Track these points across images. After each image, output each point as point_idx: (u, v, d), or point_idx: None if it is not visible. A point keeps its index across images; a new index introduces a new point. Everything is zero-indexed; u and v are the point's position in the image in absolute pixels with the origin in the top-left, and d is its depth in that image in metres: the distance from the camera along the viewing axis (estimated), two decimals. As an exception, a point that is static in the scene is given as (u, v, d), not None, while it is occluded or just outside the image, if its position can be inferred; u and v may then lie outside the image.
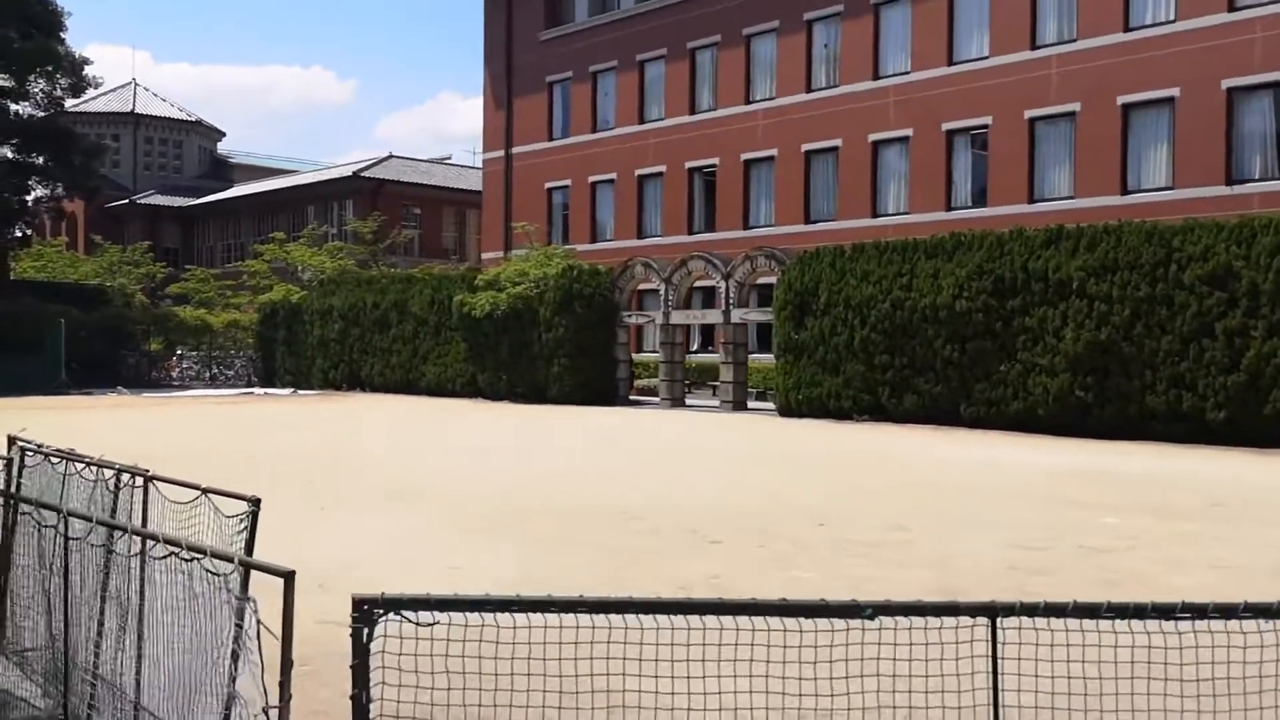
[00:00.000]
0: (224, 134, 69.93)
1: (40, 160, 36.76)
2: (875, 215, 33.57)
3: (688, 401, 28.76)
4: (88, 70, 37.68)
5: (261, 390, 35.64)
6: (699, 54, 38.76)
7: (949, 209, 31.89)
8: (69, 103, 39.57)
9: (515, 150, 44.89)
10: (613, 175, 41.20)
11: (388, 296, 35.04)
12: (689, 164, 38.72)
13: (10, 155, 37.29)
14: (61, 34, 36.89)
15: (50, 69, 36.50)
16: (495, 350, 31.00)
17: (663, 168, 39.53)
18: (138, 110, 63.09)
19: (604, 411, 26.57)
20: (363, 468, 14.50)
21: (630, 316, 29.65)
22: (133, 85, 65.05)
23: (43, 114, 37.85)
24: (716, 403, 27.90)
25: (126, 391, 33.18)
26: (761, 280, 27.97)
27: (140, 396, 31.92)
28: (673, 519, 10.08)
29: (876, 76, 33.64)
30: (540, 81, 43.84)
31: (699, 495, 11.96)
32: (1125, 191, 28.31)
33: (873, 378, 22.28)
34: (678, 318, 28.22)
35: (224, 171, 67.88)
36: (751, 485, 13.00)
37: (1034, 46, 30.16)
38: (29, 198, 38.61)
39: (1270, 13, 25.86)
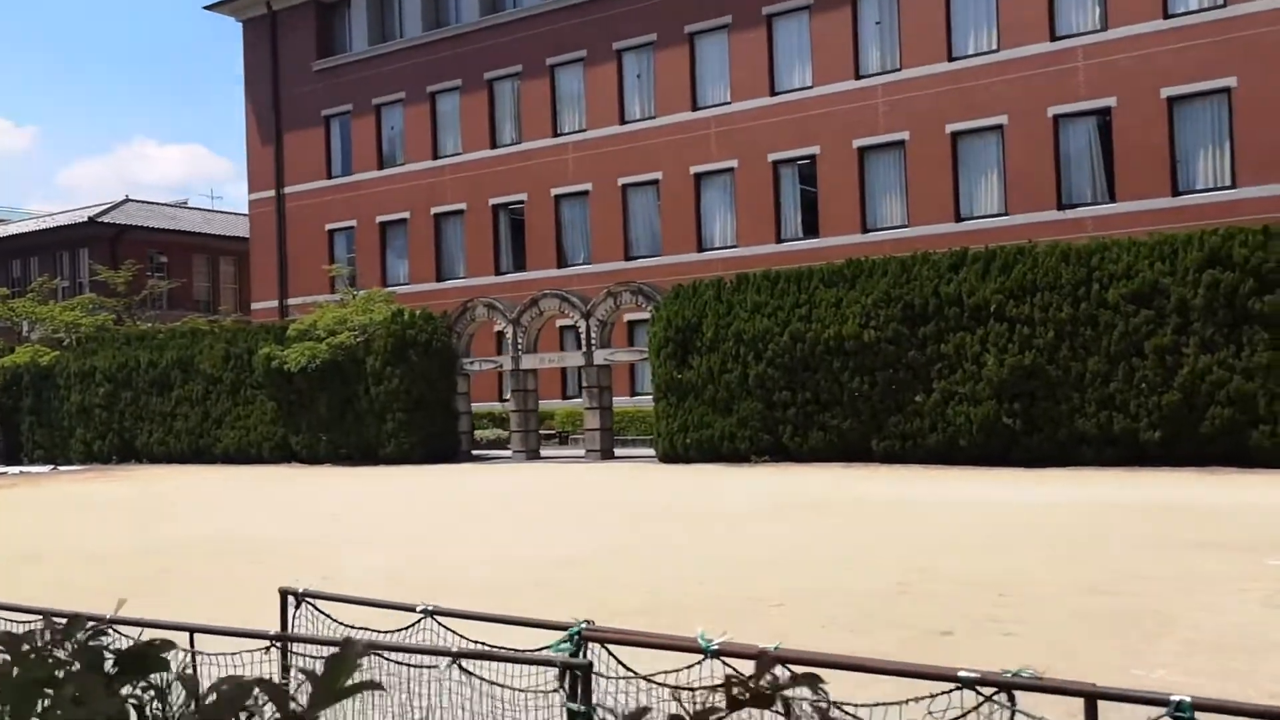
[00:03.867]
0: (-86, 178, 61.07)
1: None
2: (701, 249, 32.63)
3: (542, 453, 26.52)
4: None
5: (16, 470, 30.34)
6: (497, 85, 36.78)
7: (779, 240, 31.36)
8: None
9: (288, 190, 41.16)
10: (405, 214, 38.38)
11: (167, 354, 30.75)
12: (493, 200, 36.56)
13: None
14: None
15: None
16: (312, 408, 27.62)
17: (463, 205, 37.16)
18: None
19: (456, 470, 23.97)
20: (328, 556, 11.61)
21: (473, 364, 27.12)
22: None
23: None
24: (580, 452, 25.85)
25: None
26: (638, 316, 26.27)
27: None
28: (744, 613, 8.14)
29: (696, 107, 32.80)
30: (315, 115, 40.44)
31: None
32: (959, 219, 28.62)
33: (772, 416, 20.98)
34: (530, 362, 26.01)
35: (-84, 221, 59.21)
36: (754, 558, 11.20)
37: (858, 76, 30.17)
38: None
39: (1091, 41, 26.83)
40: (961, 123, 28.52)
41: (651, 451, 25.77)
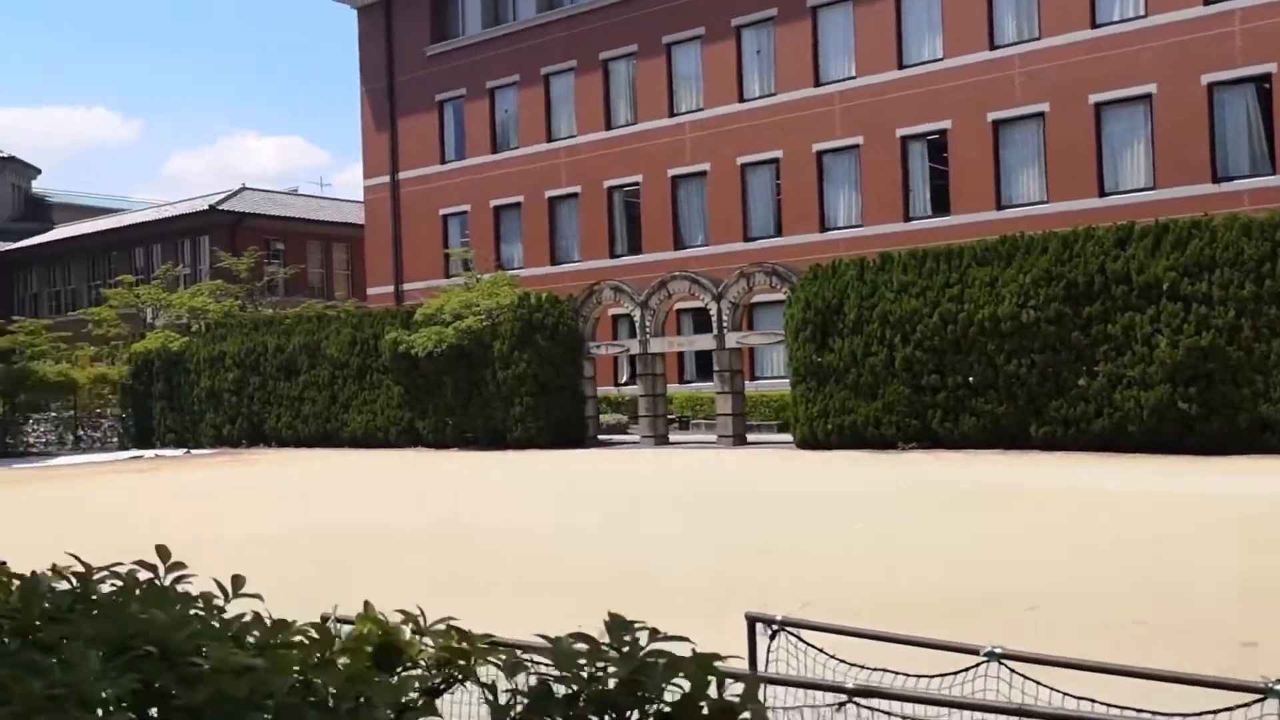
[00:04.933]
0: (39, 171, 63.09)
1: None
2: (823, 229, 31.82)
3: (671, 438, 26.06)
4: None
5: (151, 453, 30.90)
6: (612, 65, 36.33)
7: (907, 219, 30.42)
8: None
9: (402, 175, 41.30)
10: (519, 198, 38.20)
11: (294, 339, 30.99)
12: (608, 182, 36.17)
13: None
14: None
15: None
16: (438, 392, 27.56)
17: (578, 188, 36.83)
18: (-62, 146, 55.93)
19: (590, 455, 23.64)
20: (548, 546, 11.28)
21: (599, 347, 26.78)
22: (-70, 118, 57.66)
23: None
24: (708, 437, 25.35)
25: (-9, 465, 28.07)
26: (765, 299, 25.71)
27: (13, 469, 26.92)
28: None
29: (818, 83, 31.94)
30: (429, 100, 40.46)
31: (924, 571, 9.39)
32: (1103, 193, 27.37)
33: (920, 400, 20.20)
34: (658, 345, 25.55)
35: (41, 212, 61.09)
36: (949, 548, 10.52)
37: (993, 46, 29.02)
38: None
39: (1250, 3, 25.34)
40: (1106, 92, 27.23)
41: (783, 437, 25.20)
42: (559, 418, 25.98)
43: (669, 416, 27.14)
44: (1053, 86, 27.85)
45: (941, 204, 29.90)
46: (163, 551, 1.77)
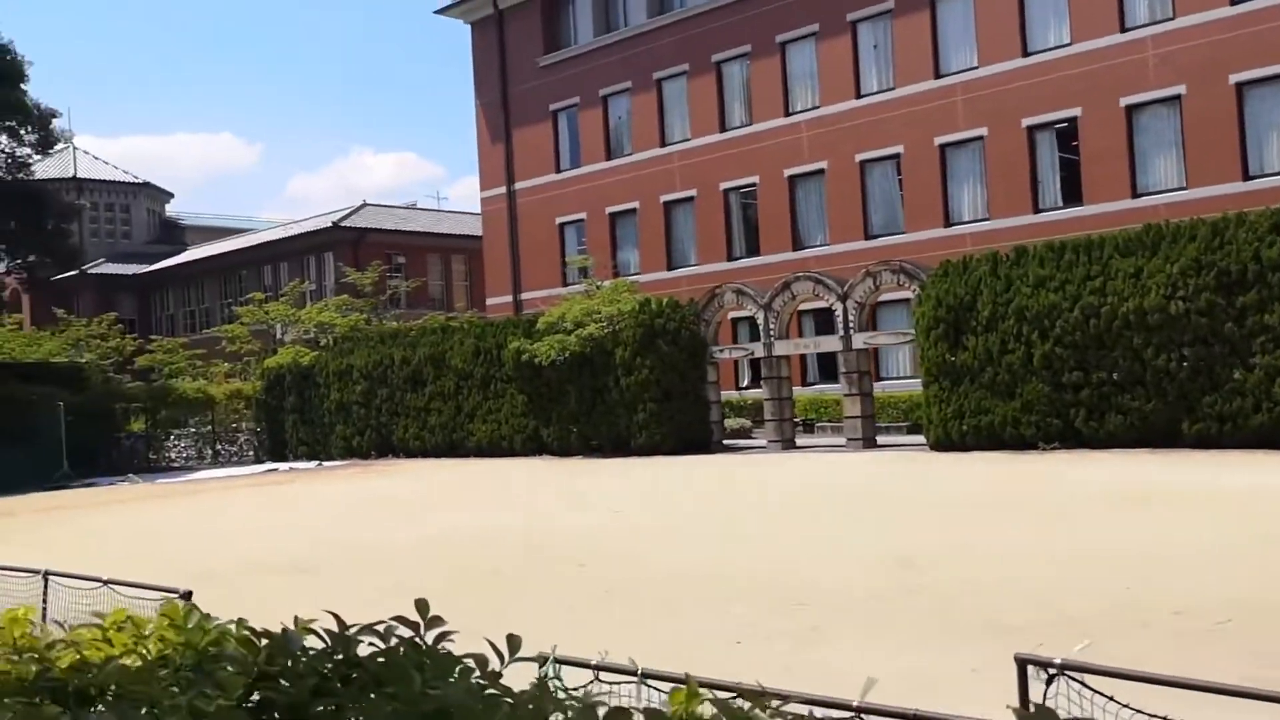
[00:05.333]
0: (171, 195, 65.56)
1: (11, 225, 32.60)
2: (948, 224, 31.01)
3: (797, 442, 25.63)
4: (55, 123, 33.73)
5: (286, 466, 31.69)
6: (725, 67, 36.06)
7: (1036, 210, 29.45)
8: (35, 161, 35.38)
9: (518, 185, 41.65)
10: (634, 204, 38.18)
11: (420, 350, 31.45)
12: (724, 185, 35.89)
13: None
14: (23, 84, 32.88)
15: (14, 124, 32.46)
16: (561, 400, 27.63)
17: (693, 191, 36.63)
18: (80, 175, 58.52)
19: (717, 461, 23.39)
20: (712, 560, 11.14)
21: (722, 351, 26.53)
22: (71, 149, 60.35)
23: (5, 175, 33.70)
24: (836, 440, 24.87)
25: (138, 479, 29.06)
26: (888, 297, 25.18)
27: (157, 484, 27.88)
28: None
29: (939, 75, 31.16)
30: (542, 110, 40.74)
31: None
32: (1246, 177, 26.04)
33: (1061, 399, 19.43)
34: (783, 348, 25.17)
35: (175, 235, 63.51)
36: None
37: (1124, 29, 27.90)
38: (-1, 268, 34.40)
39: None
40: (1247, 72, 25.91)
41: (914, 439, 24.59)
42: (683, 423, 25.79)
43: (794, 420, 26.70)
44: (1189, 68, 26.62)
45: (1073, 194, 28.86)
46: (422, 606, 1.60)
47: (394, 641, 1.50)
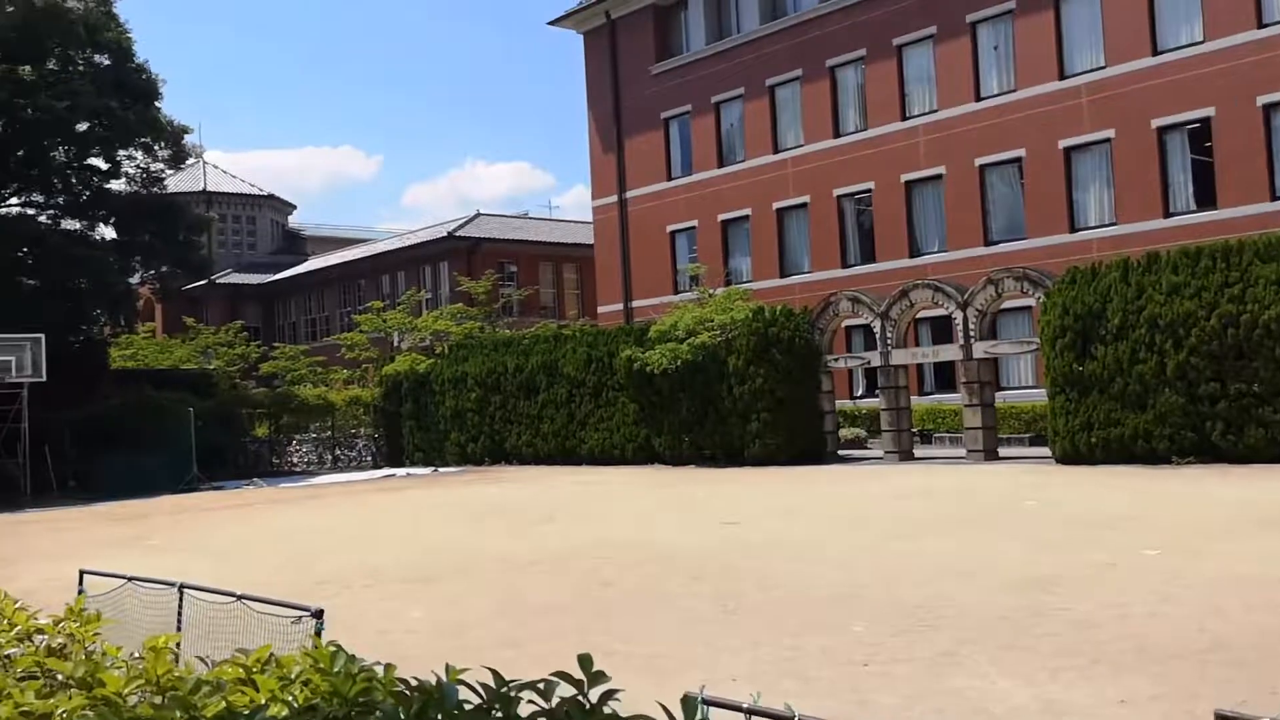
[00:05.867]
0: (294, 207, 67.58)
1: (146, 238, 33.89)
2: (1073, 229, 30.03)
3: (915, 453, 25.07)
4: (186, 139, 34.98)
5: (403, 472, 32.26)
6: (839, 72, 35.59)
7: (1166, 215, 28.33)
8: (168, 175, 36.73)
9: (630, 194, 41.75)
10: (747, 211, 37.93)
11: (532, 358, 31.71)
12: (838, 191, 35.42)
13: (112, 235, 34.59)
14: (157, 103, 34.18)
15: (148, 140, 33.75)
16: (673, 409, 27.52)
17: (806, 198, 36.23)
18: (209, 188, 60.70)
19: (834, 472, 23.00)
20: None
21: (837, 360, 26.13)
22: (201, 163, 62.60)
23: (141, 189, 35.07)
24: (955, 451, 24.24)
25: (262, 483, 29.91)
26: (1009, 305, 24.52)
27: (280, 488, 28.63)
28: None
29: (1063, 76, 30.21)
30: (654, 118, 40.78)
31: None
32: (1398, 177, 24.63)
33: (1197, 411, 18.59)
34: (900, 357, 24.66)
35: (297, 245, 65.44)
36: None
37: (1261, 24, 26.68)
38: (133, 280, 35.76)
39: None
40: (1399, 65, 24.52)
41: (1037, 450, 23.84)
42: (797, 433, 25.45)
43: (912, 430, 26.13)
44: (1334, 63, 25.32)
45: (1206, 197, 27.69)
46: (585, 661, 1.48)
47: (556, 701, 1.38)
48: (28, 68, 30.23)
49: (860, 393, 33.67)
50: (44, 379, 28.72)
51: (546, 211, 68.40)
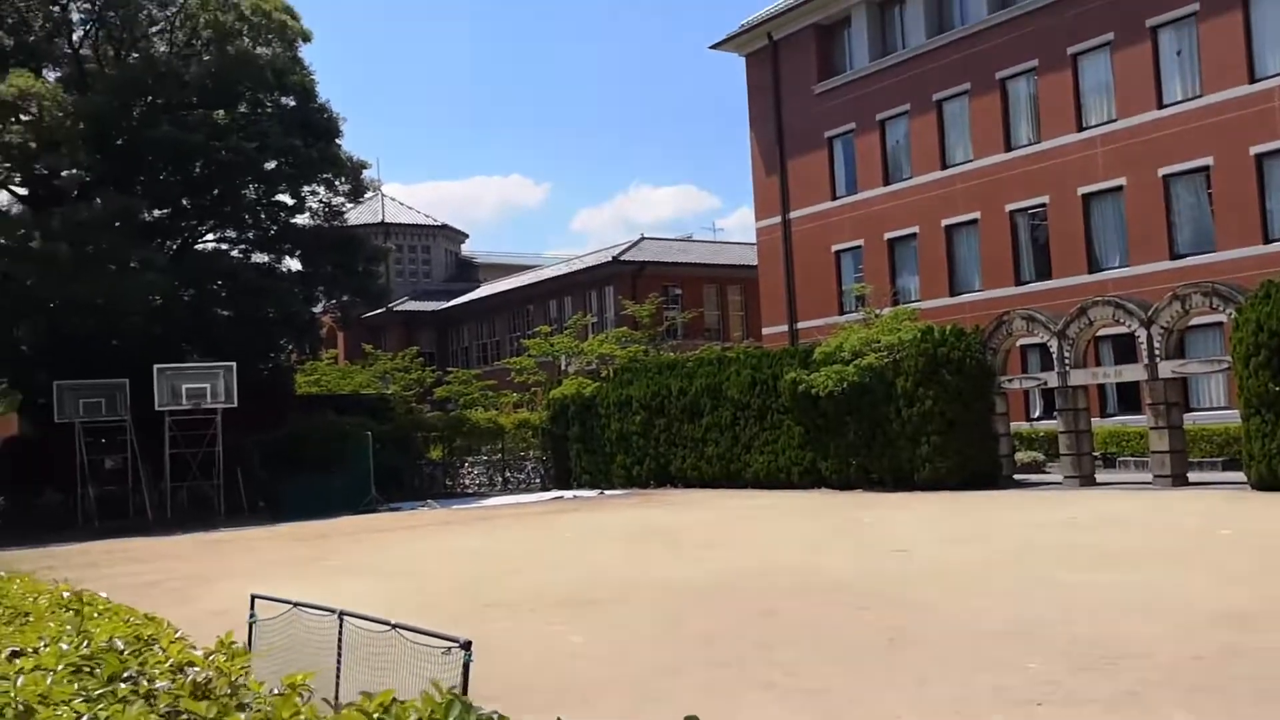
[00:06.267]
0: (467, 236, 69.70)
1: (328, 269, 35.56)
2: (1267, 240, 28.25)
3: (1097, 478, 23.93)
4: (365, 173, 36.57)
5: (570, 494, 32.74)
6: (1010, 84, 34.52)
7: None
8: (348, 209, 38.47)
9: (793, 214, 41.44)
10: (914, 229, 37.12)
11: (696, 381, 31.75)
12: (1010, 206, 34.30)
13: (297, 266, 36.44)
14: (339, 140, 35.86)
15: (330, 175, 35.43)
16: (840, 432, 27.09)
17: (976, 214, 35.21)
18: (386, 219, 63.21)
19: (1013, 497, 22.18)
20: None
21: (1011, 381, 25.25)
22: (380, 196, 65.26)
23: (324, 223, 36.84)
24: (1146, 477, 23.02)
25: (435, 505, 30.85)
26: (1197, 322, 23.27)
27: (452, 510, 29.46)
28: None
29: (1254, 79, 28.53)
30: (818, 137, 40.42)
31: None
32: None
33: None
34: (1079, 377, 23.63)
35: (469, 272, 67.43)
36: None
37: None
38: (317, 309, 37.55)
39: None
40: None
41: (1230, 475, 22.44)
42: (969, 456, 24.68)
43: (1093, 454, 24.97)
44: None
45: None
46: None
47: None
48: (221, 112, 32.18)
49: (1037, 414, 32.42)
50: (235, 404, 30.36)
51: (711, 234, 68.54)
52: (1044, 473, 27.37)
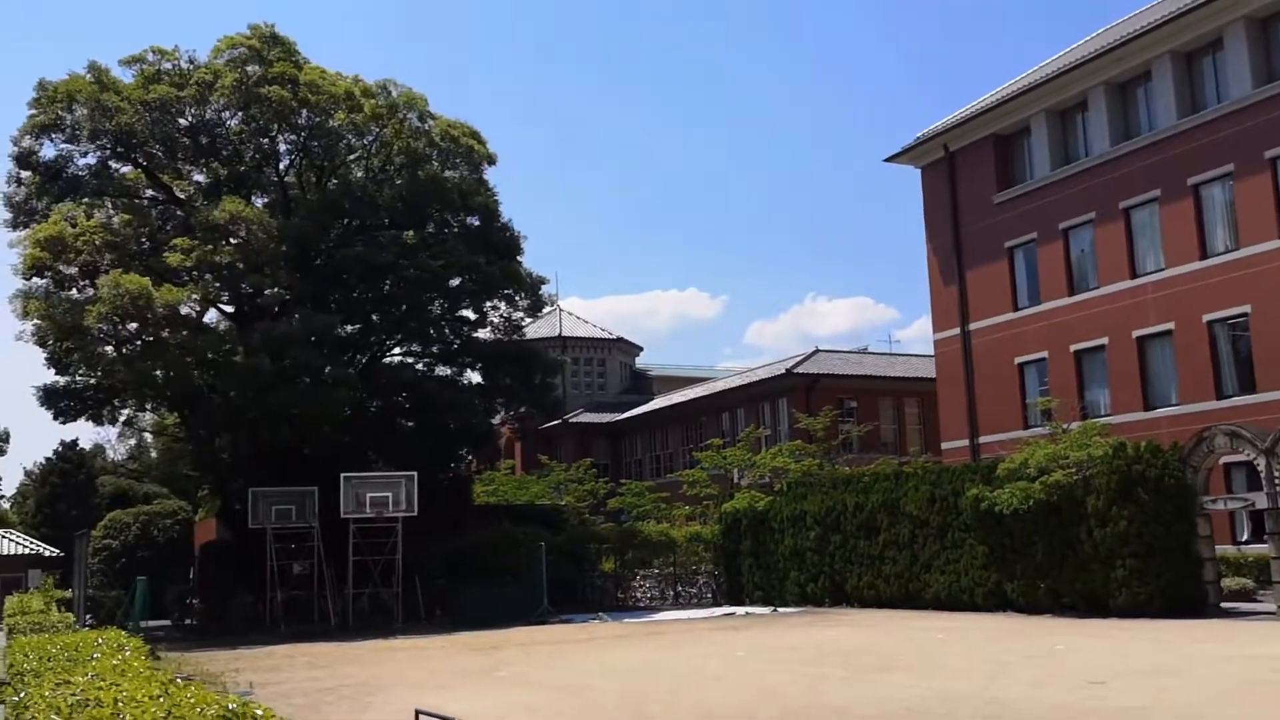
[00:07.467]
0: (641, 349, 70.69)
1: (507, 381, 36.54)
2: None
3: (1316, 609, 21.93)
4: (544, 289, 37.68)
5: (742, 610, 32.08)
6: (1203, 190, 33.08)
7: None
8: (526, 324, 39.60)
9: (973, 326, 40.38)
10: (1103, 340, 35.58)
11: (872, 497, 30.90)
12: (1207, 316, 32.54)
13: (478, 379, 37.58)
14: (519, 257, 37.15)
15: (510, 291, 36.64)
16: (1026, 552, 25.77)
17: (1170, 325, 33.52)
18: (564, 333, 64.81)
19: (1215, 627, 20.50)
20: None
21: (1215, 502, 23.60)
22: (558, 310, 67.15)
23: (503, 337, 38.00)
24: (1370, 610, 20.98)
25: (606, 618, 30.69)
26: None
27: (623, 623, 29.23)
28: None
29: None
30: (997, 248, 39.52)
31: None
32: None
33: None
34: (1293, 499, 21.89)
35: (643, 385, 68.15)
36: None
37: None
38: (495, 420, 38.53)
39: None
40: None
41: None
42: (1170, 581, 23.02)
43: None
44: None
45: None
46: None
47: None
48: (410, 232, 33.89)
49: (1244, 537, 30.14)
50: (416, 513, 31.18)
51: (888, 346, 67.54)
52: (1255, 601, 25.27)
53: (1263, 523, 23.88)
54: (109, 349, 31.94)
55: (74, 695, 4.86)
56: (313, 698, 14.89)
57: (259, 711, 4.30)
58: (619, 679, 16.51)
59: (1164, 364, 33.92)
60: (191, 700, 4.29)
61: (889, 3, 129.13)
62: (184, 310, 32.36)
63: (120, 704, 4.26)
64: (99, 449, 72.88)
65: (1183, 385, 33.04)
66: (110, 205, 34.15)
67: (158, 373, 31.93)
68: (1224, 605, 23.59)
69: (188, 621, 34.31)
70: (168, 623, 34.41)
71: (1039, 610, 25.35)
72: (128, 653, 7.39)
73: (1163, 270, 33.88)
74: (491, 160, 36.99)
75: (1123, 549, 23.40)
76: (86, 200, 33.21)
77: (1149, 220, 34.53)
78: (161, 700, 4.35)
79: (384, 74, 39.23)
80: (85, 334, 29.89)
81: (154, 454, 64.12)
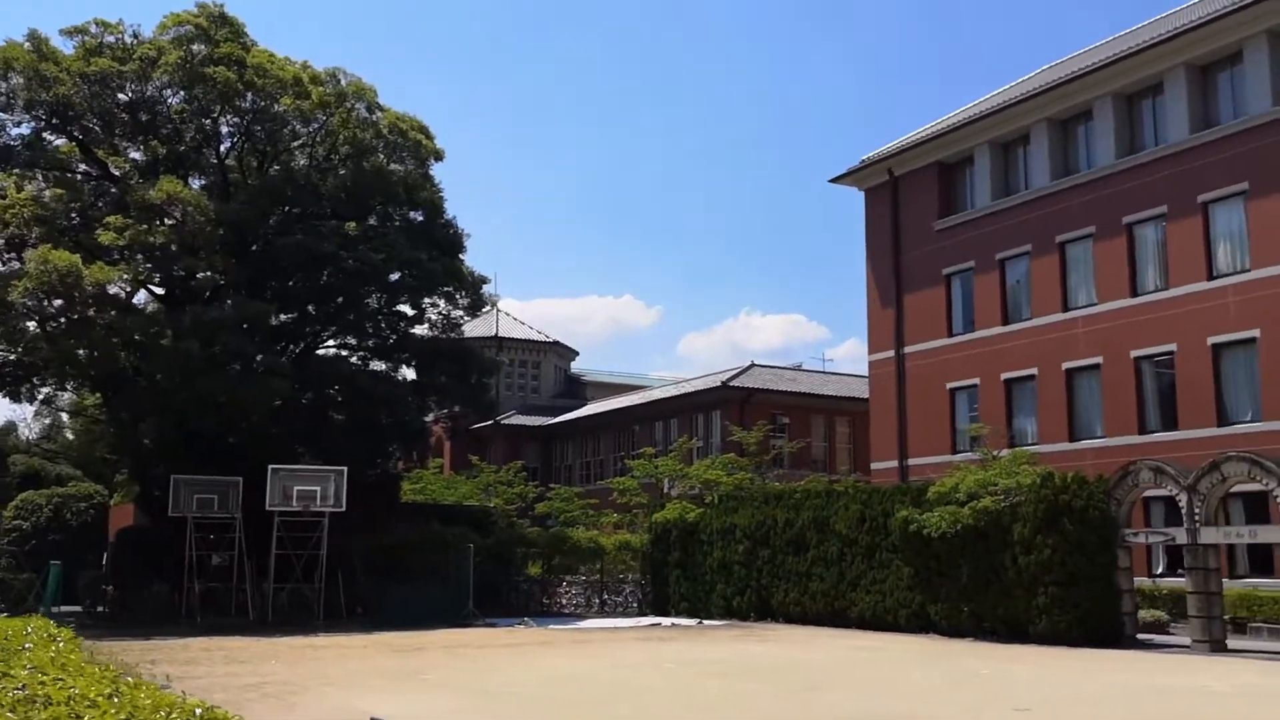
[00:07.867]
0: (578, 353, 70.52)
1: (442, 379, 36.16)
2: None
3: (1228, 644, 22.52)
4: (484, 288, 37.39)
5: (668, 621, 32.06)
6: (1137, 229, 33.89)
7: None
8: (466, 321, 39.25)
9: (908, 350, 40.92)
10: (1033, 370, 36.26)
11: (803, 513, 31.10)
12: (1135, 352, 33.31)
13: (412, 375, 37.15)
14: (462, 255, 36.83)
15: (451, 289, 36.30)
16: (951, 575, 26.13)
17: (1099, 359, 34.26)
18: (500, 334, 64.40)
19: (1131, 659, 20.92)
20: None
21: (1137, 535, 24.13)
22: (495, 311, 66.65)
23: (441, 334, 37.62)
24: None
25: (531, 623, 30.46)
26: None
27: (548, 629, 29.03)
28: None
29: (1400, 233, 27.51)
30: (935, 274, 40.11)
31: None
32: None
33: None
34: (1211, 535, 22.45)
35: (577, 390, 68.00)
36: None
37: None
38: (428, 418, 38.09)
39: None
40: None
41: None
42: (1089, 611, 23.48)
43: (1224, 618, 23.54)
44: None
45: None
46: None
47: None
48: (353, 223, 33.39)
49: (1159, 570, 30.89)
50: (343, 508, 30.69)
51: (819, 364, 68.17)
52: (1168, 633, 25.90)
53: (1178, 556, 24.48)
54: (32, 325, 31.01)
55: (16, 689, 4.65)
56: (234, 694, 14.55)
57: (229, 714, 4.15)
58: (548, 687, 16.38)
59: (1091, 397, 34.65)
60: (149, 703, 4.12)
61: (846, 21, 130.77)
62: (113, 290, 31.55)
63: (73, 702, 4.08)
64: (11, 425, 70.80)
65: (1108, 418, 33.77)
66: (42, 178, 33.19)
67: (81, 352, 31.08)
68: (1140, 636, 24.12)
69: (100, 609, 33.39)
70: (79, 609, 33.44)
71: (961, 633, 25.70)
72: (61, 644, 7.12)
73: (1094, 305, 34.63)
74: (439, 156, 36.65)
75: (1046, 577, 23.82)
76: (18, 171, 32.25)
77: (1083, 255, 35.28)
78: (115, 700, 4.18)
79: (335, 64, 38.60)
80: (9, 309, 28.97)
81: (70, 435, 62.45)
